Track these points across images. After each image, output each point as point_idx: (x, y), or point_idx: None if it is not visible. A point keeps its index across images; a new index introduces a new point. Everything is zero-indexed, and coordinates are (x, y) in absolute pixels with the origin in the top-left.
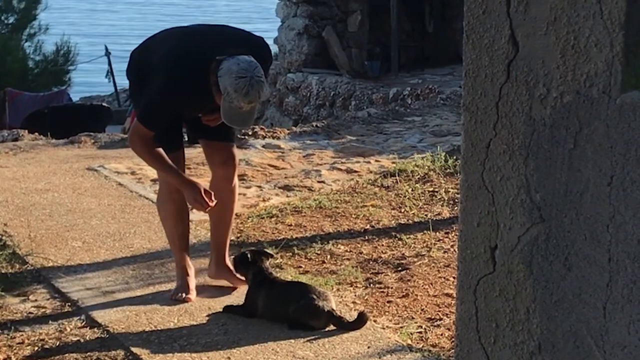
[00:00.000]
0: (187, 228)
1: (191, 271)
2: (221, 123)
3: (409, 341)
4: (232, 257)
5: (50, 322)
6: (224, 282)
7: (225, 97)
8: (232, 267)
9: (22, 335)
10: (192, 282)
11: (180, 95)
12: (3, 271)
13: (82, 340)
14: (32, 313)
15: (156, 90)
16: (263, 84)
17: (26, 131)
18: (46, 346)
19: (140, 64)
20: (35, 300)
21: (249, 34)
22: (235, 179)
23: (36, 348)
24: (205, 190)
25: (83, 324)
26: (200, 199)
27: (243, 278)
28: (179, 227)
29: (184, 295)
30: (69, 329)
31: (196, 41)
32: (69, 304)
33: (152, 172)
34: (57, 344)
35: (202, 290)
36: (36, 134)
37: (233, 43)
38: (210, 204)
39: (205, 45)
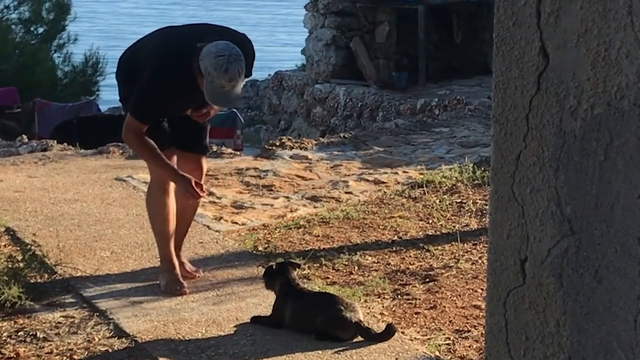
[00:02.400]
0: (174, 222)
1: (177, 264)
2: (196, 131)
3: (437, 353)
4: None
5: (78, 332)
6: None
7: (206, 77)
8: (185, 262)
9: (51, 345)
10: (180, 275)
11: (169, 87)
12: (32, 281)
13: (110, 350)
14: (60, 323)
15: (146, 84)
16: (242, 62)
17: (55, 141)
18: (75, 356)
19: (129, 66)
20: (64, 310)
21: (232, 29)
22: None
23: (65, 358)
24: (195, 182)
25: (111, 333)
26: (192, 190)
27: (197, 271)
28: (170, 223)
29: (178, 288)
30: (97, 339)
31: (181, 37)
32: (97, 313)
33: None
34: (86, 354)
35: (228, 300)
36: (65, 144)
37: (216, 36)
38: (201, 194)
39: (189, 39)
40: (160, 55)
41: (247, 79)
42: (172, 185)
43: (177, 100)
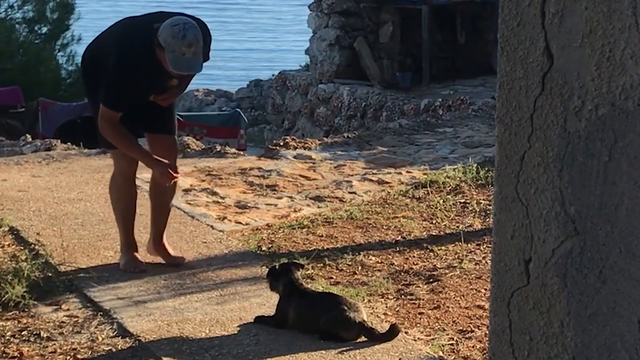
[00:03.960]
0: (135, 209)
1: (137, 246)
2: (164, 114)
3: (441, 353)
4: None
5: (82, 331)
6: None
7: (167, 48)
8: (168, 247)
9: (55, 344)
10: (139, 255)
11: (134, 71)
12: (36, 280)
13: (114, 350)
14: (64, 322)
15: (112, 73)
16: (198, 30)
17: (59, 141)
18: (78, 355)
19: (92, 61)
20: (68, 309)
21: (188, 15)
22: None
23: (68, 357)
24: (169, 165)
25: (115, 333)
26: (167, 173)
27: (181, 258)
28: (131, 209)
29: (135, 267)
30: (100, 339)
31: (139, 24)
32: (101, 313)
33: (184, 183)
34: (89, 354)
35: (231, 300)
36: (69, 143)
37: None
38: (175, 176)
39: (148, 24)
40: (122, 43)
41: (205, 63)
42: (134, 175)
43: (144, 82)
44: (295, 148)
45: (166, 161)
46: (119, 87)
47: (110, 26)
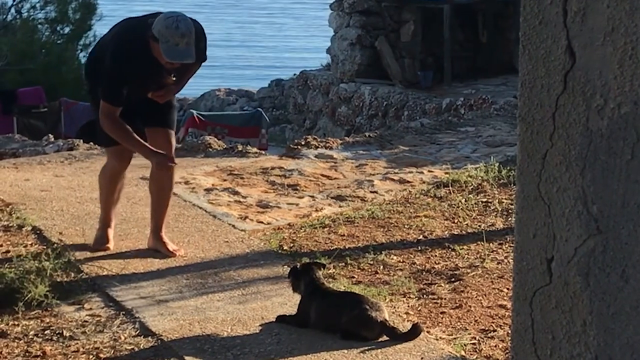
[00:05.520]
0: (119, 197)
1: (112, 224)
2: (161, 108)
3: (463, 352)
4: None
5: (104, 330)
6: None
7: (161, 39)
8: (166, 240)
9: (77, 343)
10: (111, 233)
11: (130, 65)
12: (58, 280)
13: (136, 349)
14: (86, 321)
15: (109, 68)
16: (190, 22)
17: (81, 141)
18: (101, 355)
19: (93, 61)
20: (90, 308)
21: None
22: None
23: (91, 356)
24: (167, 156)
25: (137, 332)
26: (164, 162)
27: (178, 250)
28: (115, 194)
29: (102, 245)
30: (123, 338)
31: (134, 22)
32: (123, 312)
33: (206, 182)
34: (112, 353)
35: (253, 299)
36: (91, 143)
37: None
38: (173, 164)
39: (142, 22)
40: (118, 38)
41: (203, 64)
42: (122, 172)
43: (139, 75)
44: (317, 147)
45: (162, 152)
46: (116, 81)
47: (110, 28)
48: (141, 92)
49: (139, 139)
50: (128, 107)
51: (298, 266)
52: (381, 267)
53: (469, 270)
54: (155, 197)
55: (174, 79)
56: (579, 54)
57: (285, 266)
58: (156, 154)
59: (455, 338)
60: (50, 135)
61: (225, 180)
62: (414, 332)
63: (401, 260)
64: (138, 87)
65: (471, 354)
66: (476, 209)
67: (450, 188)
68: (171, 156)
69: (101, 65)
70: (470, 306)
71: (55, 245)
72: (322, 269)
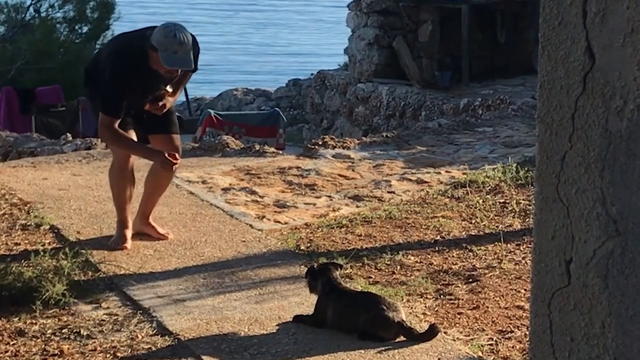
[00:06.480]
0: (131, 193)
1: (129, 224)
2: (164, 116)
3: (480, 353)
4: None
5: (122, 329)
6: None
7: (160, 48)
8: (155, 225)
9: (95, 342)
10: (129, 234)
11: (127, 77)
12: (76, 278)
13: (153, 348)
14: (104, 320)
15: (107, 80)
16: (187, 32)
17: (99, 140)
18: (118, 354)
19: (92, 73)
20: (108, 307)
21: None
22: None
23: (108, 355)
24: (169, 153)
25: (154, 331)
26: (167, 162)
27: (168, 233)
28: (127, 192)
29: (120, 244)
30: (140, 337)
31: (132, 35)
32: (141, 311)
33: (223, 181)
34: (129, 352)
35: (270, 298)
36: None
37: None
38: (176, 162)
39: (140, 35)
40: (115, 52)
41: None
42: (129, 166)
43: (138, 87)
44: (334, 147)
45: (164, 150)
46: (114, 95)
47: (108, 41)
48: (139, 102)
49: (140, 143)
50: (130, 119)
51: (315, 266)
52: (398, 267)
53: (486, 271)
54: (149, 190)
55: (170, 90)
56: (599, 55)
57: (302, 266)
58: (160, 153)
59: (472, 339)
60: (68, 134)
61: (242, 179)
62: (431, 332)
63: (418, 261)
64: (137, 99)
65: (488, 355)
66: (494, 209)
67: (468, 188)
68: (173, 153)
69: (100, 76)
70: (487, 307)
71: (73, 244)
72: (339, 269)
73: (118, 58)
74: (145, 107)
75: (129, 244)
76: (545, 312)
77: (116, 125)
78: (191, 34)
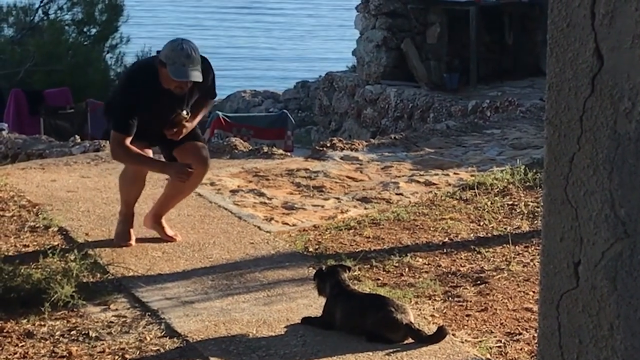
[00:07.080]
0: (138, 194)
1: (133, 222)
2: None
3: (488, 355)
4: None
5: (130, 331)
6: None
7: (168, 62)
8: (166, 226)
9: (103, 344)
10: (132, 231)
11: (139, 95)
12: (84, 280)
13: (162, 350)
14: (112, 322)
15: (119, 99)
16: (195, 46)
17: (107, 142)
18: (126, 355)
19: (110, 100)
20: (116, 309)
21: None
22: (203, 177)
23: (117, 357)
24: (182, 164)
25: (163, 333)
26: (181, 173)
27: (176, 235)
28: (134, 192)
29: (125, 241)
30: (149, 339)
31: (146, 59)
32: (149, 313)
33: (232, 183)
34: (138, 353)
35: (279, 300)
36: None
37: None
38: (191, 171)
39: (153, 57)
40: (127, 74)
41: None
42: (140, 174)
43: (149, 104)
44: (342, 149)
45: (178, 163)
46: (126, 113)
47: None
48: (155, 126)
49: (152, 158)
50: (145, 140)
51: (323, 268)
52: (406, 269)
53: (494, 273)
54: (171, 193)
55: (188, 115)
56: (607, 57)
57: (311, 268)
58: (172, 166)
59: (480, 341)
60: (76, 136)
61: (250, 181)
62: (440, 334)
63: (427, 263)
64: (151, 119)
65: (497, 357)
66: (502, 211)
67: (476, 190)
68: (188, 164)
69: (114, 96)
70: (496, 309)
71: (82, 245)
72: (347, 271)
73: (130, 77)
74: (164, 131)
75: (133, 240)
76: (553, 314)
77: (127, 142)
78: (204, 59)
